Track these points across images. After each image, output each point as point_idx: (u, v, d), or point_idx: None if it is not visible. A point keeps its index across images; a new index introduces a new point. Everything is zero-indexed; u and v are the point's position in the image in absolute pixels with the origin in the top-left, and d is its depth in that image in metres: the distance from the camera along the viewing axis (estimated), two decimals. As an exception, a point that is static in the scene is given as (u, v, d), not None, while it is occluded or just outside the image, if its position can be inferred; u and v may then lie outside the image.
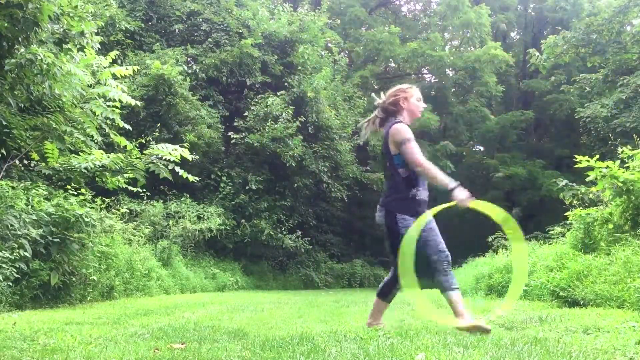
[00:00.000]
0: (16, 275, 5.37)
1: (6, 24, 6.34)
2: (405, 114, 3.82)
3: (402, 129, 3.66)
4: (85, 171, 7.58)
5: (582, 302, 5.52)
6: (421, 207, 3.72)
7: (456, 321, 3.49)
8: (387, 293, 3.91)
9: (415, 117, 3.88)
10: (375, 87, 29.95)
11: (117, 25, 14.55)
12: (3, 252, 5.25)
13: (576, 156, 6.71)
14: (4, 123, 7.09)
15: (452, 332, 3.62)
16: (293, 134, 16.36)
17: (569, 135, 26.51)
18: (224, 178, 15.94)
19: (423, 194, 3.75)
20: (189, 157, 8.42)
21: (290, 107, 16.85)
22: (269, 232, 15.79)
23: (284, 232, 16.48)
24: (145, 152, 8.31)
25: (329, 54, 22.07)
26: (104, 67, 8.12)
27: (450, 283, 3.63)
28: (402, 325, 4.15)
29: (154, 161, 8.16)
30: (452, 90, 28.42)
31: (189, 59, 16.67)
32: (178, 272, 11.07)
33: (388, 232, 3.71)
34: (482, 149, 31.92)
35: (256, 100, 16.90)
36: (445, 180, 3.58)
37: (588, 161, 6.45)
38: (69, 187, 7.15)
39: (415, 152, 3.60)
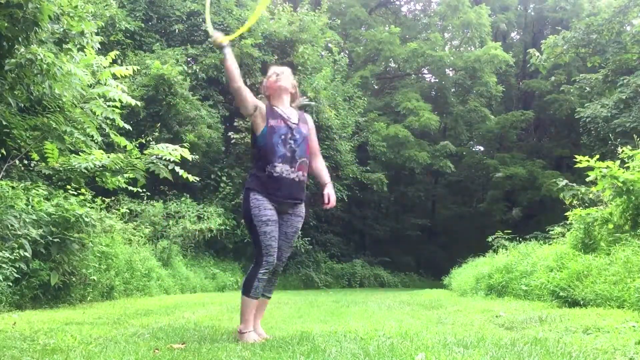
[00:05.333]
0: (16, 275, 5.37)
1: (6, 24, 6.33)
2: (271, 98, 3.71)
3: None
4: (85, 171, 7.58)
5: (582, 302, 5.52)
6: (278, 187, 3.43)
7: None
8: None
9: (278, 92, 3.69)
10: (375, 87, 29.99)
11: (117, 25, 14.55)
12: (3, 252, 5.25)
13: (576, 156, 6.71)
14: (4, 123, 7.08)
15: (452, 332, 3.62)
16: (293, 134, 16.36)
17: (569, 135, 26.54)
18: (224, 178, 15.94)
19: (281, 169, 3.45)
20: (189, 157, 8.42)
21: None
22: (268, 232, 15.79)
23: (284, 232, 16.47)
24: (145, 152, 8.30)
25: (329, 54, 22.06)
26: (104, 67, 8.11)
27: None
28: (401, 325, 4.14)
29: (154, 161, 8.15)
30: (452, 90, 28.43)
31: (189, 59, 16.67)
32: (178, 272, 11.07)
33: (243, 213, 3.53)
34: (482, 149, 31.95)
35: (256, 100, 16.89)
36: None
37: (588, 161, 6.45)
38: (69, 187, 7.14)
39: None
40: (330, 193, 3.64)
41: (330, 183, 3.70)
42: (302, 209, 3.62)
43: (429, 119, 24.01)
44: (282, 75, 3.69)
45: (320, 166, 3.76)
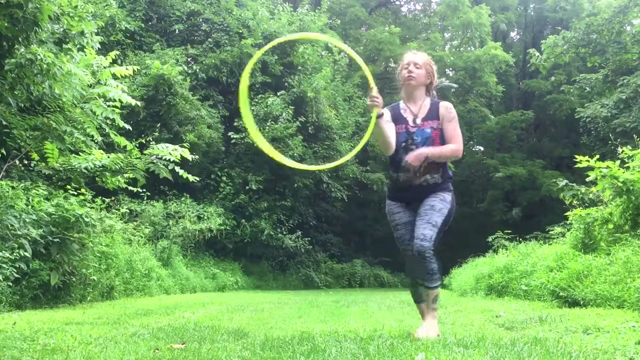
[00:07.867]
0: (16, 275, 5.37)
1: (6, 24, 6.34)
2: (404, 91, 3.56)
3: None
4: (85, 171, 7.58)
5: (582, 302, 5.52)
6: (405, 192, 3.45)
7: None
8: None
9: (408, 89, 3.49)
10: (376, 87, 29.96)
11: (117, 25, 14.55)
12: (3, 252, 5.25)
13: (576, 156, 6.71)
14: (4, 123, 7.09)
15: (452, 332, 3.62)
16: (293, 134, 16.37)
17: (569, 135, 26.50)
18: (224, 178, 15.94)
19: (404, 178, 3.41)
20: (189, 157, 8.43)
21: (290, 107, 16.86)
22: (269, 232, 15.80)
23: (284, 232, 16.48)
24: (145, 152, 8.31)
25: (329, 54, 22.06)
26: (104, 67, 8.12)
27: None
28: (401, 326, 4.14)
29: (154, 161, 8.17)
30: (452, 90, 28.41)
31: (189, 59, 16.67)
32: (178, 272, 11.07)
33: None
34: (482, 149, 31.91)
35: (256, 100, 16.89)
36: None
37: (588, 161, 6.45)
38: (69, 187, 7.14)
39: None
40: (413, 154, 3.30)
41: (425, 151, 3.30)
42: (439, 193, 3.39)
43: (429, 119, 23.99)
44: (414, 71, 3.43)
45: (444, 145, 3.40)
